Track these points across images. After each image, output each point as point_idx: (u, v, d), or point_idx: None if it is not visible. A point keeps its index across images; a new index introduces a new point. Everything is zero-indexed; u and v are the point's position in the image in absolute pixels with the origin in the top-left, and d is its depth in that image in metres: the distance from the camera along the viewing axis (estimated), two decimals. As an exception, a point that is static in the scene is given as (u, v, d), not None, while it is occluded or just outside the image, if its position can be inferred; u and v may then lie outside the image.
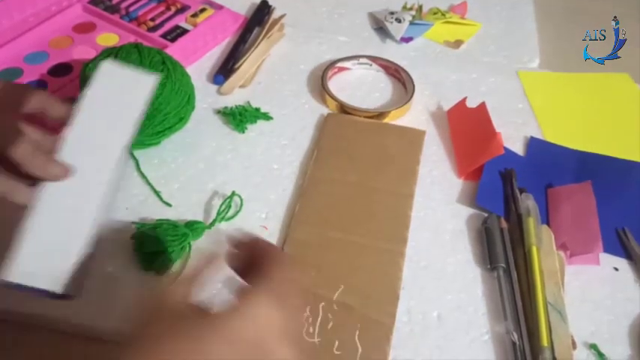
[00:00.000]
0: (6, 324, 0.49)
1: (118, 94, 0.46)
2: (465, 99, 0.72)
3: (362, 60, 0.78)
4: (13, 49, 0.72)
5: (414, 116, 0.72)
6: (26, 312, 0.48)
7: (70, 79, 0.70)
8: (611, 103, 0.77)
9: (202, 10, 0.81)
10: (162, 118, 0.60)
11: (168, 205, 0.59)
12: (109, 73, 0.46)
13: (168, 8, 0.82)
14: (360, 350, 0.49)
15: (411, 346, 0.51)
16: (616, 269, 0.58)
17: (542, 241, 0.56)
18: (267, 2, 0.86)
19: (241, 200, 0.60)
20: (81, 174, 0.43)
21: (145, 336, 0.32)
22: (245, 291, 0.34)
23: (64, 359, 0.47)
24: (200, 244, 0.55)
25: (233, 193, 0.60)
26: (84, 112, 0.45)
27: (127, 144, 0.45)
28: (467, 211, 0.62)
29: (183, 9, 0.82)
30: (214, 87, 0.73)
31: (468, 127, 0.69)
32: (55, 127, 0.47)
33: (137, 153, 0.63)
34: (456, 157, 0.67)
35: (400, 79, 0.77)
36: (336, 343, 0.49)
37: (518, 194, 0.61)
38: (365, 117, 0.70)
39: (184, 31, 0.78)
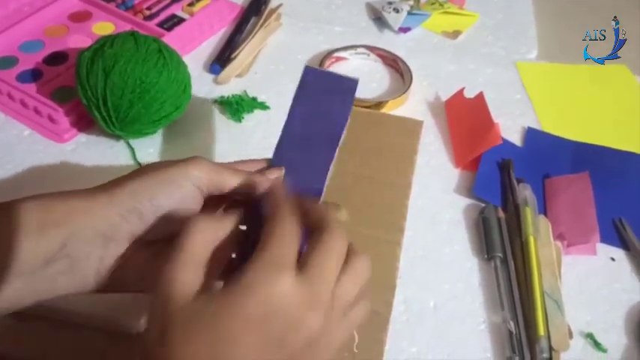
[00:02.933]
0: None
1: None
2: (462, 89, 0.71)
3: (359, 50, 0.78)
4: (7, 38, 0.72)
5: (411, 106, 0.72)
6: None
7: (65, 67, 0.69)
8: (608, 95, 0.77)
9: (199, -1, 0.81)
10: (158, 107, 0.59)
11: (165, 194, 0.59)
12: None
13: (164, -3, 0.81)
14: (356, 339, 0.49)
15: (408, 335, 0.51)
16: (613, 259, 0.58)
17: (539, 232, 0.56)
18: (264, -8, 0.86)
19: (238, 190, 0.59)
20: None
21: (161, 350, 0.30)
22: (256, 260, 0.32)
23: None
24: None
25: (230, 183, 0.59)
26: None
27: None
28: (464, 201, 0.62)
29: (179, -2, 0.81)
30: (211, 76, 0.73)
31: (465, 118, 0.69)
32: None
33: (133, 142, 0.63)
34: (453, 147, 0.67)
35: (398, 69, 0.76)
36: (333, 332, 0.49)
37: (516, 184, 0.61)
38: (362, 107, 0.70)
39: (181, 20, 0.78)
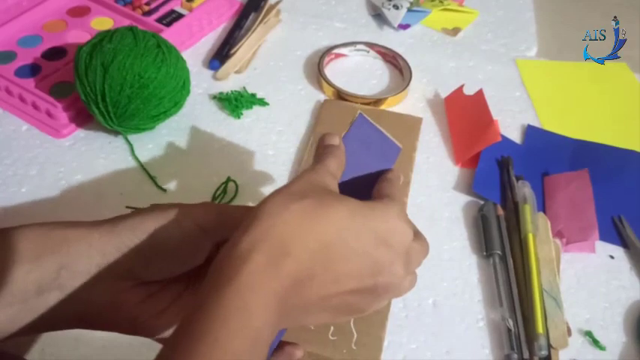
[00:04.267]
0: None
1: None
2: (462, 86, 0.71)
3: (359, 46, 0.78)
4: (6, 33, 0.72)
5: (411, 103, 0.72)
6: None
7: (64, 62, 0.69)
8: (608, 92, 0.77)
9: (198, -5, 0.81)
10: (157, 103, 0.59)
11: (163, 190, 0.59)
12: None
13: (163, -8, 0.81)
14: (355, 336, 0.49)
15: (406, 332, 0.51)
16: (612, 257, 0.58)
17: (538, 229, 0.56)
18: (263, -13, 0.86)
19: (237, 186, 0.59)
20: None
21: (263, 211, 0.32)
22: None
23: None
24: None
25: (228, 179, 0.59)
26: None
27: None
28: (463, 199, 0.61)
29: (178, -7, 0.81)
30: (210, 72, 0.73)
31: (465, 115, 0.68)
32: None
33: (132, 138, 0.63)
34: (452, 144, 0.67)
35: (397, 65, 0.76)
36: (332, 328, 0.49)
37: (515, 182, 0.61)
38: (362, 104, 0.69)
39: (180, 16, 0.77)
